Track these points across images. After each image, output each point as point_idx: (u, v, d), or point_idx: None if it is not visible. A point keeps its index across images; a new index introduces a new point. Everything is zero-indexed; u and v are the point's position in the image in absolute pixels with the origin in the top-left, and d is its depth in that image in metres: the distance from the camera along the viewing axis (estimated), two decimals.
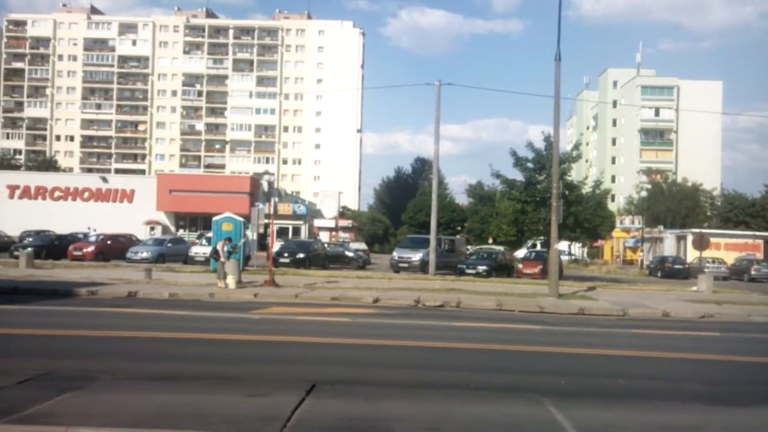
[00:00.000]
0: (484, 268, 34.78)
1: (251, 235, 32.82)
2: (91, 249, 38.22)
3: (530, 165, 34.59)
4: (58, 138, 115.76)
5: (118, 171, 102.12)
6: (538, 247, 46.23)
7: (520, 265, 38.06)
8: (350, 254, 44.79)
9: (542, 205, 32.97)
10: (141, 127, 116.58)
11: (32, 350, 10.76)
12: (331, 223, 72.68)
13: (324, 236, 64.30)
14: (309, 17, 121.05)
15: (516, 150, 34.97)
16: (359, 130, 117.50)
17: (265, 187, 64.70)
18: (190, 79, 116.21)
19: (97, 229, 45.50)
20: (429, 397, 8.24)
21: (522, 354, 11.91)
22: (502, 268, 36.24)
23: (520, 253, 46.10)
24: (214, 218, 31.19)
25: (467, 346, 12.39)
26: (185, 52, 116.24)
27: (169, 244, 40.31)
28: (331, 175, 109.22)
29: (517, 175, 35.54)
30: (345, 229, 73.21)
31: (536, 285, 27.16)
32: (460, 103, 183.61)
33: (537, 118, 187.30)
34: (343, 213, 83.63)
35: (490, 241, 57.54)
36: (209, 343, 11.91)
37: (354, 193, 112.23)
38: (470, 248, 49.08)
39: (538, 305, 19.37)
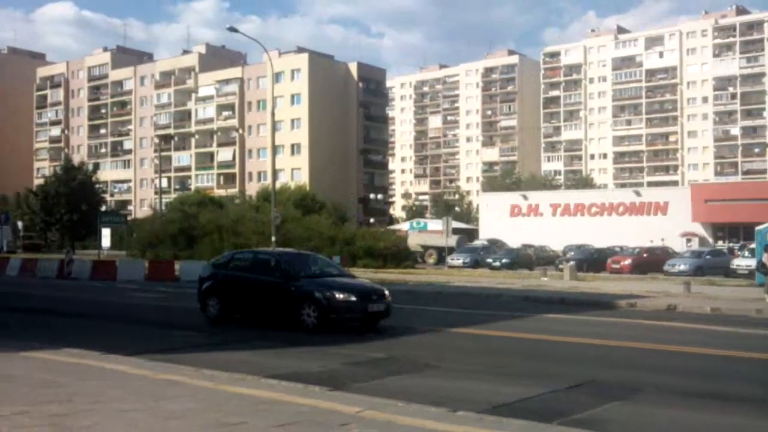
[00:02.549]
0: None
1: None
2: (628, 262, 39.07)
3: None
4: (592, 157, 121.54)
5: (650, 184, 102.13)
6: None
7: None
8: None
9: None
10: (671, 138, 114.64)
11: (579, 357, 11.45)
12: None
13: None
14: None
15: None
16: None
17: None
18: (722, 83, 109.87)
19: (693, 242, 46.32)
20: None
21: None
22: None
23: None
24: (757, 228, 28.76)
25: None
26: (715, 56, 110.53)
27: (708, 257, 38.64)
28: None
29: None
30: None
31: None
32: None
33: None
34: None
35: None
36: (761, 364, 11.00)
37: None
38: None
39: None
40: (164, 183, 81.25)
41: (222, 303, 14.94)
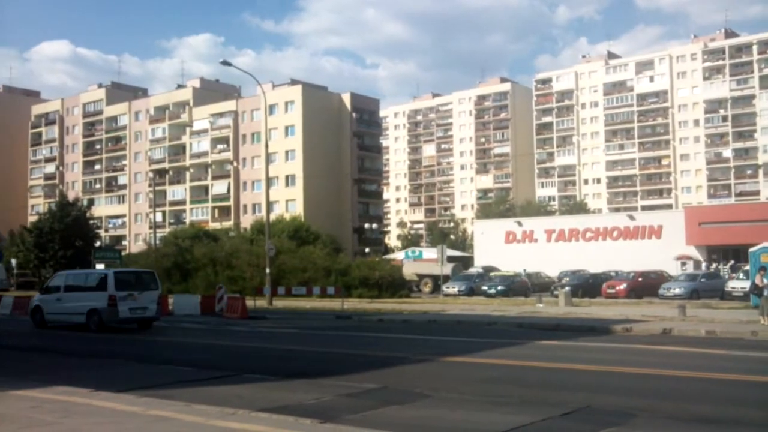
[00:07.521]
0: None
1: None
2: (623, 286, 39.02)
3: None
4: (585, 182, 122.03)
5: (644, 208, 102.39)
6: None
7: None
8: None
9: None
10: (664, 162, 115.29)
11: (573, 384, 11.38)
12: None
13: None
14: None
15: None
16: None
17: None
18: (713, 106, 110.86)
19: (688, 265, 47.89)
20: None
21: None
22: None
23: None
24: (751, 249, 28.80)
25: None
26: (705, 79, 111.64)
27: (703, 279, 38.65)
28: None
29: None
30: None
31: None
32: None
33: None
34: None
35: None
36: (756, 387, 10.94)
37: None
38: None
39: None
40: (159, 217, 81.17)
41: None
